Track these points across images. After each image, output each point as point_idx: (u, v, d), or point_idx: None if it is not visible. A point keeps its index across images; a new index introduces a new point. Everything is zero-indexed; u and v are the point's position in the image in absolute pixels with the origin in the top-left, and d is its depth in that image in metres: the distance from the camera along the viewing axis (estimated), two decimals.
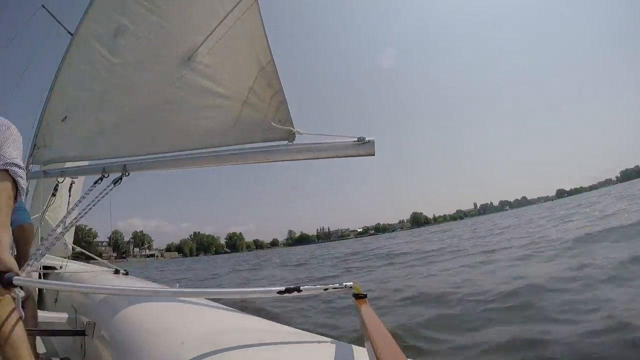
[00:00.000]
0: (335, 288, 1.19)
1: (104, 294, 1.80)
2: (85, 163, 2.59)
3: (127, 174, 2.00)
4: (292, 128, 1.92)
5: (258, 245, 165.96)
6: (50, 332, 2.12)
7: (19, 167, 1.37)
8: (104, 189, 1.97)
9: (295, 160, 1.83)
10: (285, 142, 1.91)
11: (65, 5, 5.17)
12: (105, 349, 1.53)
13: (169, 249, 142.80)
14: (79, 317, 2.15)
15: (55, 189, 2.62)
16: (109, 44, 3.24)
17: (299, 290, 1.12)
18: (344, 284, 1.20)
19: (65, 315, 2.30)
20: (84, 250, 5.18)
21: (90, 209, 1.97)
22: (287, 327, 1.29)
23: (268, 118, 1.99)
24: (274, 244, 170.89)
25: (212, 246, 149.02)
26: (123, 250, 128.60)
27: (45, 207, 2.74)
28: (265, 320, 1.38)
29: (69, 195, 2.96)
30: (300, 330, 1.19)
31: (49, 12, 4.85)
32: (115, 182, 1.99)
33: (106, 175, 2.09)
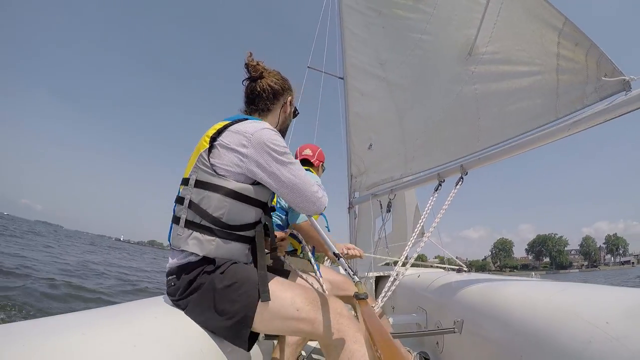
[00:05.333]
0: (348, 275, 1.32)
1: (464, 292, 1.92)
2: (409, 177, 2.92)
3: (465, 173, 2.15)
4: (623, 77, 1.68)
5: None
6: (409, 335, 2.16)
7: None
8: (451, 192, 2.16)
9: (637, 109, 1.56)
10: (623, 94, 1.67)
11: (317, 56, 6.22)
12: (482, 343, 1.60)
13: None
14: (430, 317, 2.31)
15: (389, 205, 3.05)
16: (379, 73, 3.68)
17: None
18: (354, 277, 1.29)
19: (414, 317, 2.43)
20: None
21: (442, 214, 2.19)
22: None
23: (591, 77, 1.80)
24: None
25: None
26: (595, 257, 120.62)
27: (382, 223, 3.21)
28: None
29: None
30: None
31: (315, 69, 5.98)
32: (457, 183, 2.16)
33: (443, 181, 2.31)
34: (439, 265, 3.16)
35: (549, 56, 2.00)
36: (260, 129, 1.32)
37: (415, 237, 2.36)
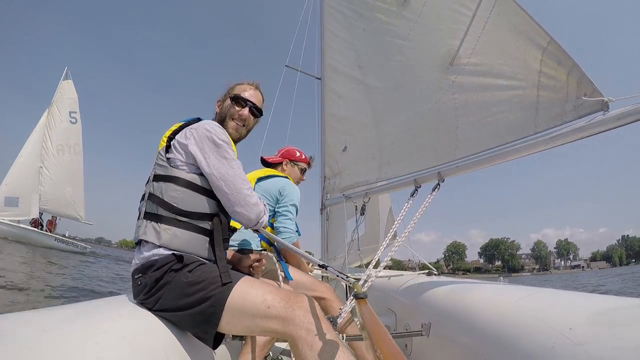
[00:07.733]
0: (341, 278, 1.31)
1: (433, 295, 1.94)
2: (385, 182, 2.92)
3: (442, 180, 2.18)
4: (602, 98, 1.76)
5: None
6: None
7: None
8: (428, 198, 2.17)
9: (613, 129, 1.64)
10: (601, 113, 1.74)
11: (295, 56, 6.17)
12: (448, 346, 1.62)
13: (594, 258, 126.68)
14: (399, 319, 2.32)
15: (363, 208, 3.05)
16: (357, 75, 3.68)
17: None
18: (349, 277, 1.30)
19: (383, 319, 2.40)
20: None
21: (417, 219, 2.20)
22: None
23: (571, 96, 1.88)
24: None
25: None
26: (546, 262, 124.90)
27: (356, 226, 3.21)
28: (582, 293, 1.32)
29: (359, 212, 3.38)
30: None
31: (292, 68, 5.90)
32: (434, 189, 2.18)
33: (419, 186, 2.33)
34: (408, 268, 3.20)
35: (531, 72, 2.06)
36: (205, 122, 1.47)
37: (388, 240, 2.37)
